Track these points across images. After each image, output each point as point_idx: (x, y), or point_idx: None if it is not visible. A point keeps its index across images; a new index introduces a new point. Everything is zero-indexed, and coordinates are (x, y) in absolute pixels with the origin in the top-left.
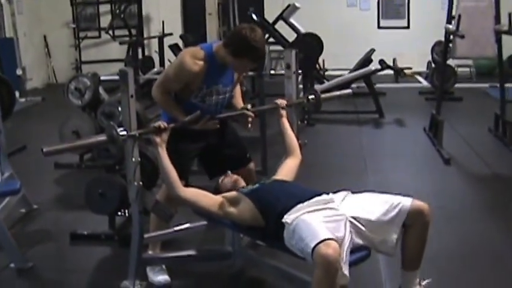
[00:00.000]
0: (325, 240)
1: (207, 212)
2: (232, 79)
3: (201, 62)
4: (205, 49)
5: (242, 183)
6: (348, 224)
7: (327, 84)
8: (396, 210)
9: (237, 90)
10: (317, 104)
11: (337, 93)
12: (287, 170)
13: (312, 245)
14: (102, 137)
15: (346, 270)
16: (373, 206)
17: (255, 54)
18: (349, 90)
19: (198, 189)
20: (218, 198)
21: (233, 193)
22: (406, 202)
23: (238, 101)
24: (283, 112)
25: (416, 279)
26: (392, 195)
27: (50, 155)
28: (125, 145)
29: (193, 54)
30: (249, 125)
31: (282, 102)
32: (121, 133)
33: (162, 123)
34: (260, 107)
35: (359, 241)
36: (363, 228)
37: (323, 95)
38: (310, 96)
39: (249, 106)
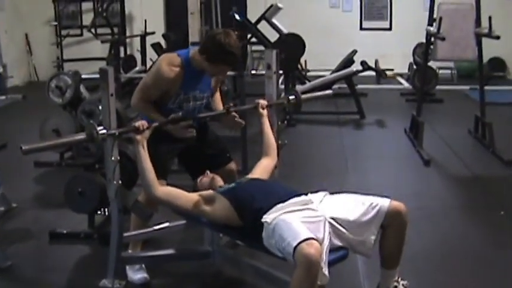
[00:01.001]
0: (307, 239)
1: (184, 210)
2: (209, 85)
3: (178, 69)
4: (182, 55)
5: (220, 182)
6: (327, 225)
7: (308, 84)
8: (374, 211)
9: (217, 95)
10: (297, 104)
11: (318, 94)
12: (262, 169)
13: (294, 244)
14: (81, 136)
15: (326, 271)
16: (352, 207)
17: (230, 59)
18: (329, 91)
19: (174, 189)
20: (194, 196)
21: (209, 192)
22: (384, 203)
23: (219, 106)
24: (264, 112)
25: (394, 277)
26: (370, 196)
27: (28, 153)
28: (104, 144)
29: (170, 62)
30: (240, 123)
31: (262, 102)
32: (100, 132)
33: (142, 123)
34: (241, 107)
35: (337, 242)
36: (342, 229)
37: (303, 96)
38: (291, 97)
39: (231, 105)
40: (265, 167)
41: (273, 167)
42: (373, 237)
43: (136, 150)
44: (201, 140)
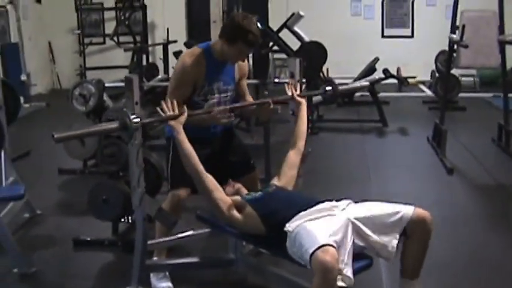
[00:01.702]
0: (323, 246)
1: (215, 206)
2: (232, 77)
3: (200, 59)
4: (202, 46)
5: (244, 191)
6: (350, 225)
7: None
8: (398, 216)
9: (248, 97)
10: (334, 95)
11: (355, 85)
12: (288, 168)
13: (310, 251)
14: (114, 124)
15: (349, 272)
16: (376, 211)
17: (248, 38)
18: (366, 83)
19: (215, 182)
20: (228, 199)
21: (238, 198)
22: (408, 210)
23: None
24: (302, 100)
25: (416, 287)
26: (394, 204)
27: (60, 141)
28: (129, 151)
29: (191, 54)
30: (275, 110)
31: (292, 84)
32: (134, 120)
33: (173, 107)
34: (279, 97)
35: (360, 243)
36: (365, 229)
37: (341, 87)
38: (328, 87)
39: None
40: (292, 163)
41: (299, 161)
42: (395, 241)
43: (174, 135)
44: (225, 146)
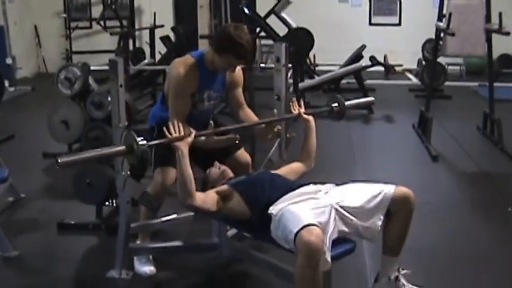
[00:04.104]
0: (307, 226)
1: (208, 213)
2: (223, 84)
3: (193, 69)
4: (195, 55)
5: (230, 174)
6: (333, 211)
7: (317, 79)
8: (380, 196)
9: (247, 110)
10: (341, 112)
11: (360, 100)
12: (289, 170)
13: (295, 231)
14: (120, 148)
15: (328, 256)
16: (358, 194)
17: (238, 51)
18: (371, 98)
19: (205, 195)
20: (214, 196)
21: (224, 187)
22: (390, 189)
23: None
24: (310, 117)
25: (395, 265)
26: (376, 184)
27: (65, 167)
28: (113, 136)
29: (184, 64)
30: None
31: (300, 109)
32: (140, 143)
33: (181, 130)
34: (282, 116)
35: (344, 228)
36: (348, 215)
37: (347, 103)
38: (334, 104)
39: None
40: (294, 168)
41: (301, 174)
42: (379, 223)
43: (177, 157)
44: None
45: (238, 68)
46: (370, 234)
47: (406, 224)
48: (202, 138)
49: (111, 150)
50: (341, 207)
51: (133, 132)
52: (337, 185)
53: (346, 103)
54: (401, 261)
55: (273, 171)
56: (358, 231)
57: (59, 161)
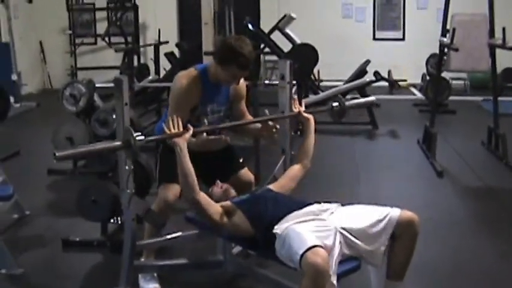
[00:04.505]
0: (313, 247)
1: (209, 220)
2: (227, 97)
3: (197, 82)
4: (199, 68)
5: (232, 193)
6: (338, 234)
7: (321, 94)
8: (385, 221)
9: (248, 117)
10: (341, 111)
11: (361, 100)
12: (289, 179)
13: (300, 252)
14: (117, 143)
15: (334, 280)
16: (362, 217)
17: (241, 61)
18: (372, 98)
19: (208, 197)
20: (219, 208)
21: (228, 203)
22: (395, 213)
23: (252, 129)
24: (310, 115)
25: None
26: (381, 207)
27: (62, 160)
28: (118, 154)
29: (187, 76)
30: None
31: (300, 107)
32: (138, 138)
33: (178, 125)
34: (281, 115)
35: (348, 252)
36: (353, 239)
37: (347, 103)
38: (334, 104)
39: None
40: (293, 176)
41: (301, 175)
42: (383, 248)
43: (176, 153)
44: None
45: (242, 82)
46: (373, 259)
47: (411, 249)
48: (193, 139)
49: (109, 145)
50: (345, 230)
51: (130, 128)
52: (343, 205)
53: (347, 103)
54: (405, 279)
55: (271, 186)
56: (362, 255)
57: (56, 154)
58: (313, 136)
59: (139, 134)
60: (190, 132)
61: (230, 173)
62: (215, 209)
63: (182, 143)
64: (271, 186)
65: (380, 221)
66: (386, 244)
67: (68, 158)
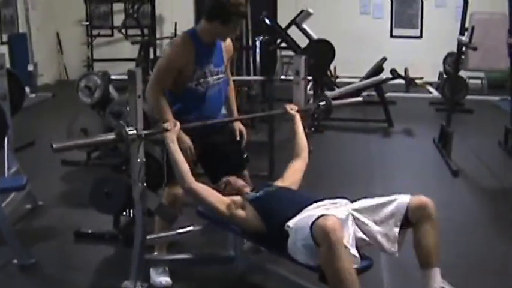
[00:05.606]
0: (322, 215)
1: (214, 209)
2: (222, 59)
3: (188, 44)
4: (188, 32)
5: (247, 189)
6: (350, 216)
7: (337, 91)
8: (395, 203)
9: (232, 94)
10: (327, 110)
11: (348, 100)
12: (292, 173)
13: (310, 223)
14: (110, 136)
15: (354, 252)
16: (373, 201)
17: (240, 10)
18: (359, 98)
19: (207, 187)
20: (226, 199)
21: (239, 198)
22: (405, 197)
23: (233, 108)
24: (294, 113)
25: (437, 276)
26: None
27: (58, 151)
28: (132, 145)
29: (177, 40)
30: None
31: (290, 106)
32: (130, 133)
33: (170, 123)
34: (270, 112)
35: (362, 236)
36: (365, 220)
37: (334, 102)
38: (321, 103)
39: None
40: (296, 169)
41: (303, 169)
42: (396, 229)
43: (166, 144)
44: (223, 140)
45: (229, 41)
46: (388, 244)
47: (432, 232)
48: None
49: (103, 138)
50: (356, 211)
51: (123, 122)
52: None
53: (333, 102)
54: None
55: (279, 182)
56: (377, 240)
57: (54, 146)
58: (300, 131)
59: (131, 128)
60: (178, 125)
61: (233, 170)
62: (218, 198)
63: (172, 136)
64: (279, 182)
65: (390, 202)
66: (398, 226)
67: (65, 150)
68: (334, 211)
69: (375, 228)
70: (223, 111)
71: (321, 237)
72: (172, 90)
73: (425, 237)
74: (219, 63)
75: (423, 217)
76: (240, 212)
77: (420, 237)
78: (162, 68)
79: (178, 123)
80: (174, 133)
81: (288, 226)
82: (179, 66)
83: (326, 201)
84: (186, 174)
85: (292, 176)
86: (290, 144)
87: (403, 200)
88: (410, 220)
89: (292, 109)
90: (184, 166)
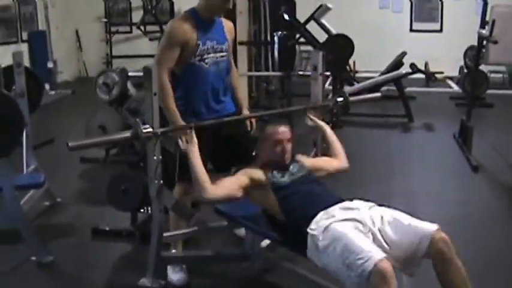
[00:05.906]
0: (379, 260)
1: (234, 199)
2: (224, 36)
3: (188, 21)
4: (188, 11)
5: (288, 154)
6: (378, 234)
7: (356, 86)
8: (420, 231)
9: (237, 79)
10: (345, 106)
11: (366, 96)
12: (327, 162)
13: (370, 266)
14: (126, 134)
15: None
16: (397, 226)
17: None
18: (378, 94)
19: (222, 182)
20: (243, 180)
21: (261, 175)
22: (427, 237)
23: (240, 97)
24: (318, 121)
25: None
26: (416, 221)
27: (75, 150)
28: (148, 143)
29: (178, 18)
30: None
31: (313, 117)
32: (145, 130)
33: (187, 138)
34: (289, 108)
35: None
36: (385, 245)
37: (351, 98)
38: (339, 99)
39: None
40: (330, 164)
41: (338, 168)
42: (420, 255)
43: (188, 150)
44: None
45: (230, 23)
46: (410, 265)
47: (452, 269)
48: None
49: (118, 136)
50: (382, 235)
51: (138, 120)
52: (379, 205)
53: (351, 98)
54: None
55: (306, 162)
56: (399, 262)
57: (69, 144)
58: (334, 137)
59: (147, 126)
60: (193, 133)
61: (245, 161)
62: (236, 187)
63: (189, 140)
64: (307, 163)
65: (415, 227)
66: (422, 253)
67: (81, 148)
68: (357, 214)
69: (397, 254)
70: (229, 97)
71: (382, 282)
72: (176, 71)
73: (446, 275)
74: (222, 40)
75: (439, 256)
76: (258, 193)
77: (443, 276)
78: (164, 46)
79: (193, 131)
80: (193, 145)
81: (314, 234)
82: (181, 41)
83: (348, 203)
84: (205, 184)
85: (325, 165)
86: (306, 139)
87: (426, 235)
88: (430, 254)
89: (313, 118)
90: (203, 175)
